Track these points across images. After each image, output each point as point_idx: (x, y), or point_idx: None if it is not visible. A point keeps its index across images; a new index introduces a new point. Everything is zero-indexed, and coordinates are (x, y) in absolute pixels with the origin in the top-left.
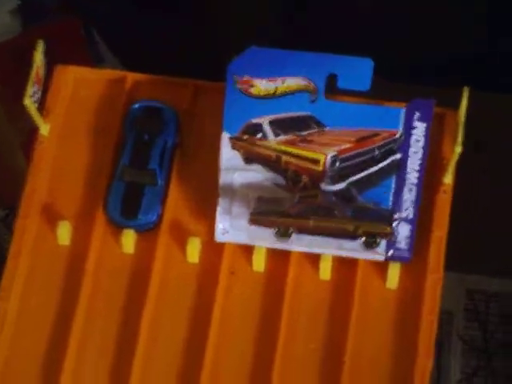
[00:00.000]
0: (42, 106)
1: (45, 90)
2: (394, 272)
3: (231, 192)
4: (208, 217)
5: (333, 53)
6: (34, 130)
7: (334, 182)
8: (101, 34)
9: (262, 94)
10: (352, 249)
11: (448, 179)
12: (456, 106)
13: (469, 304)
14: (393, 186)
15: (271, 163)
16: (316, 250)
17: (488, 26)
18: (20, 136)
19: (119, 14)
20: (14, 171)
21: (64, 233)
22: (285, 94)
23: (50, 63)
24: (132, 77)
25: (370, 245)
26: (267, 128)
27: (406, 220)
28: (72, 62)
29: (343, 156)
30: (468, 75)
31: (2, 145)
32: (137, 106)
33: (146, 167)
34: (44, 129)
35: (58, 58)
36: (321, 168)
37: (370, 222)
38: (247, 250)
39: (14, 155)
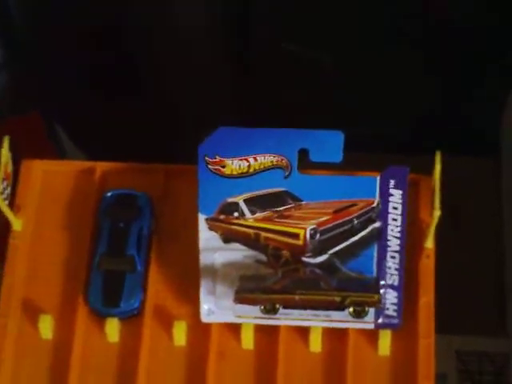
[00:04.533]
0: (12, 201)
1: (12, 186)
2: (385, 339)
3: (213, 272)
4: (191, 299)
5: (300, 127)
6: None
7: (316, 254)
8: (62, 126)
9: (234, 173)
10: (341, 319)
11: (429, 244)
12: (429, 171)
13: (460, 365)
14: (375, 254)
15: (251, 241)
16: (305, 323)
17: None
18: None
19: (79, 104)
20: None
21: (46, 327)
22: (258, 172)
23: (13, 159)
24: (101, 166)
25: (359, 314)
26: (243, 206)
27: (392, 287)
28: (35, 157)
29: (322, 228)
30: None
31: None
32: (109, 194)
33: (123, 254)
34: (16, 224)
35: (21, 153)
36: (301, 242)
37: (357, 292)
38: (234, 329)
39: None
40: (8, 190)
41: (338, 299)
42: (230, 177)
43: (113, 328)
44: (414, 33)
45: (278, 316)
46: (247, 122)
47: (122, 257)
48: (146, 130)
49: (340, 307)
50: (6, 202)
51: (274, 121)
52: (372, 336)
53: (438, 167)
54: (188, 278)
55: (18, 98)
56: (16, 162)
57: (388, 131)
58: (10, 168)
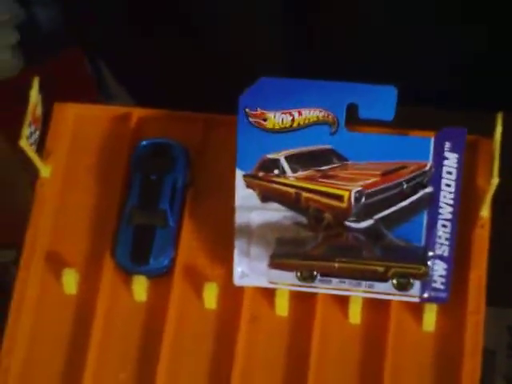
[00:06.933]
0: (40, 147)
1: (46, 130)
2: (431, 314)
3: (249, 233)
4: (224, 260)
5: (350, 80)
6: None
7: (360, 219)
8: (109, 67)
9: (276, 127)
10: (383, 291)
11: (485, 212)
12: (486, 129)
13: (511, 341)
14: (425, 221)
15: (290, 201)
16: (344, 293)
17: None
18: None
19: (127, 44)
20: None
21: (70, 282)
22: (302, 127)
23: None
24: (137, 113)
25: (403, 286)
26: (284, 163)
27: (441, 258)
28: (79, 100)
29: (369, 191)
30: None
31: (13, 187)
32: (144, 143)
33: (155, 208)
34: (45, 171)
35: (64, 95)
36: (345, 205)
37: (402, 262)
38: (269, 293)
39: (24, 197)
40: (36, 135)
41: (380, 269)
42: (272, 131)
43: (140, 286)
44: None
45: (315, 284)
46: (298, 73)
47: (153, 211)
48: (195, 74)
49: (383, 278)
50: (34, 147)
51: (326, 72)
52: (416, 310)
53: (498, 129)
54: (223, 237)
55: (59, 33)
56: (51, 104)
57: (441, 84)
58: (39, 111)
